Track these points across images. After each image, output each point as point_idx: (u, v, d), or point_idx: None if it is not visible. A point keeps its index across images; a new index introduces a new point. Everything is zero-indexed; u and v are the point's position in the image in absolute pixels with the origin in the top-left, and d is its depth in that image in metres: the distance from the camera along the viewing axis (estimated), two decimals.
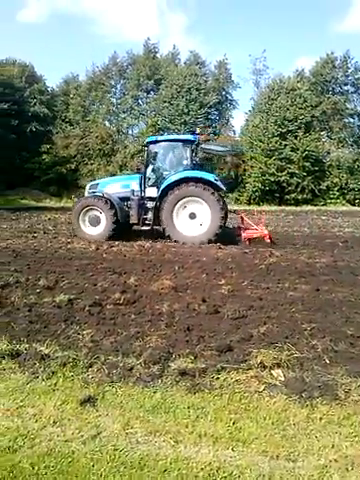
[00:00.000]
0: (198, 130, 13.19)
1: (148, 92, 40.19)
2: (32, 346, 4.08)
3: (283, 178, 32.41)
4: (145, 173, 11.99)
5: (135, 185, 11.99)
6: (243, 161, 33.76)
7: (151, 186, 11.84)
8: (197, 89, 36.15)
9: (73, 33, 77.62)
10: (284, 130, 32.84)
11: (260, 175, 32.83)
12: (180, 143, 12.06)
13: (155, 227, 11.72)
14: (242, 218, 12.41)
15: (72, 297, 5.58)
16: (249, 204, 32.67)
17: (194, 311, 5.17)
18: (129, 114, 39.92)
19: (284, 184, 32.82)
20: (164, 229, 11.29)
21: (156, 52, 40.99)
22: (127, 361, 3.77)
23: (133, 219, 11.71)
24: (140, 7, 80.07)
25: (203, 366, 3.68)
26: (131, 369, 3.63)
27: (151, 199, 11.70)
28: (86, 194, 12.77)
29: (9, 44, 73.20)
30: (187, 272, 7.34)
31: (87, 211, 11.89)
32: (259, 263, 8.15)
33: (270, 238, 11.16)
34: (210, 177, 11.21)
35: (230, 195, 34.88)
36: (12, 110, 36.30)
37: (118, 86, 41.11)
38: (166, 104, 36.48)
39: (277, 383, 3.48)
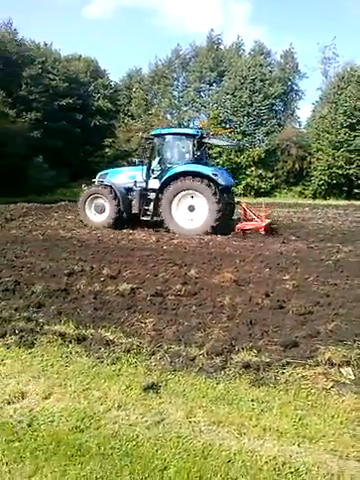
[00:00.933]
0: (200, 124, 13.21)
1: (210, 84, 39.95)
2: (97, 332, 4.22)
3: (352, 171, 31.00)
4: (149, 165, 12.34)
5: (140, 176, 12.33)
6: (309, 153, 32.79)
7: (155, 178, 12.19)
8: (261, 80, 35.42)
9: (137, 27, 78.49)
10: (354, 121, 31.32)
11: (327, 168, 31.62)
12: (183, 137, 12.29)
13: (156, 218, 12.03)
14: (244, 209, 12.33)
15: (134, 286, 5.71)
16: (314, 198, 31.68)
17: (257, 305, 5.11)
18: (191, 107, 39.94)
19: (353, 177, 31.42)
20: (163, 220, 11.71)
21: (219, 43, 40.57)
22: (189, 351, 3.80)
23: (135, 209, 12.17)
24: None
25: (267, 360, 3.63)
26: (193, 359, 3.66)
27: (153, 190, 12.05)
28: (96, 183, 13.13)
29: (75, 40, 75.23)
30: (249, 266, 7.27)
31: (93, 199, 12.50)
32: (326, 258, 7.90)
33: (265, 230, 11.05)
34: (208, 171, 11.42)
35: (293, 189, 34.14)
36: (77, 104, 37.56)
37: (180, 79, 41.22)
38: (229, 96, 36.11)
39: (347, 381, 3.36)
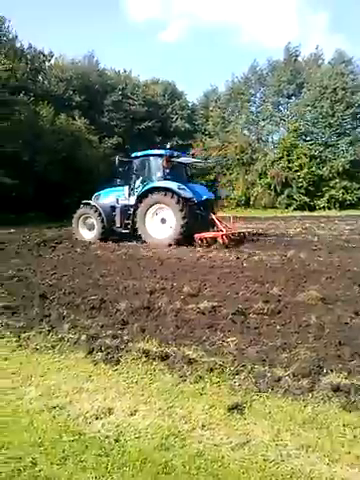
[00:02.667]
0: (168, 145, 14.89)
1: (289, 97, 39.51)
2: (180, 350, 4.25)
3: None
4: (130, 184, 14.03)
5: (122, 195, 14.10)
6: None
7: (134, 195, 13.72)
8: (343, 89, 34.33)
9: (212, 47, 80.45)
10: None
11: None
12: (155, 157, 13.79)
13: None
14: (213, 220, 13.41)
15: (215, 304, 5.67)
16: None
17: (346, 325, 4.85)
18: (269, 121, 39.67)
19: None
20: (139, 232, 13.28)
21: (297, 55, 40.17)
22: (274, 372, 3.70)
23: (117, 224, 13.89)
24: (279, 12, 79.27)
25: (359, 383, 3.42)
26: (279, 380, 3.54)
27: (132, 206, 13.58)
28: (91, 202, 14.71)
29: (153, 65, 78.83)
30: (336, 283, 6.95)
31: (85, 218, 14.60)
32: None
33: (222, 238, 12.13)
34: (174, 186, 12.74)
35: None
36: (156, 127, 38.90)
37: (258, 94, 41.33)
38: (309, 107, 35.41)
39: None
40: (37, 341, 4.73)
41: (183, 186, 13.09)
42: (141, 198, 13.23)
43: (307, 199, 35.12)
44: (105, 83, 37.66)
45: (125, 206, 13.85)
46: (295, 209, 34.99)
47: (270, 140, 41.34)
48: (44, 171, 24.78)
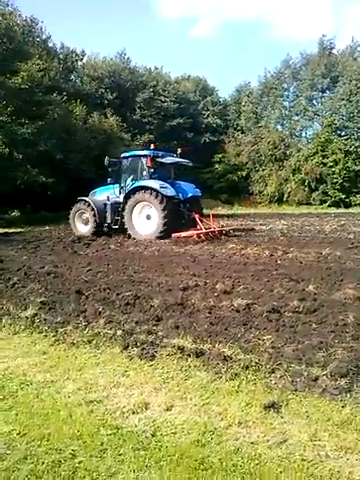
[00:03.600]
0: (152, 146, 15.09)
1: (323, 91, 38.60)
2: (214, 347, 4.25)
3: None
4: (120, 183, 15.01)
5: (113, 193, 15.14)
6: None
7: (123, 193, 14.67)
8: None
9: (245, 41, 79.63)
10: None
11: None
12: (140, 157, 14.70)
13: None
14: (194, 219, 13.91)
15: (249, 302, 5.64)
16: None
17: None
18: (302, 116, 38.96)
19: None
20: (126, 228, 14.18)
21: (332, 48, 39.14)
22: (311, 371, 3.65)
23: (108, 220, 14.91)
24: (312, 5, 77.65)
25: None
26: (316, 379, 3.50)
27: (121, 203, 14.47)
28: (86, 199, 15.62)
29: (184, 61, 78.69)
30: None
31: (81, 213, 15.65)
32: None
33: (198, 236, 12.76)
34: (156, 185, 13.52)
35: None
36: (187, 123, 38.85)
37: (291, 89, 40.60)
38: (344, 102, 34.52)
39: None
40: (74, 336, 4.83)
41: (166, 185, 13.85)
42: (128, 196, 14.15)
43: (342, 195, 34.28)
44: (136, 81, 37.89)
45: (115, 203, 14.80)
46: (330, 205, 34.23)
47: (304, 135, 40.62)
48: (77, 169, 25.19)
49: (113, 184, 15.44)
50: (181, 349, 4.18)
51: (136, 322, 5.10)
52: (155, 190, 13.48)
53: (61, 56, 32.88)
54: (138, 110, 36.51)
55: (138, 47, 74.85)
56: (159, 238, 13.19)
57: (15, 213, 24.51)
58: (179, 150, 16.23)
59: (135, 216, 14.07)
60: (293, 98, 40.20)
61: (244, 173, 39.42)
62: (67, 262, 9.49)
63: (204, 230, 13.43)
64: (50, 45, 31.47)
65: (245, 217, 24.87)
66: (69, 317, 5.39)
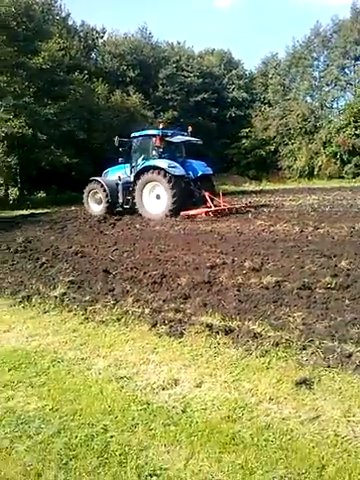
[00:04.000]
0: (161, 125, 15.08)
1: (357, 59, 36.80)
2: (244, 324, 4.21)
3: None
4: (131, 162, 15.09)
5: (124, 173, 15.26)
6: None
7: (134, 173, 14.65)
8: None
9: (272, 10, 76.87)
10: None
11: None
12: (149, 137, 14.73)
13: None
14: (204, 196, 13.91)
15: (279, 279, 5.56)
16: None
17: None
18: (334, 86, 37.53)
19: None
20: (136, 207, 14.33)
21: None
22: (344, 347, 3.56)
23: (120, 199, 15.07)
24: None
25: None
26: (350, 356, 3.41)
27: (132, 183, 14.57)
28: (98, 178, 15.85)
29: (208, 34, 76.80)
30: None
31: (94, 193, 15.85)
32: None
33: (207, 214, 13.09)
34: (165, 165, 13.54)
35: None
36: (212, 98, 38.16)
37: (321, 58, 38.89)
38: None
39: None
40: (103, 314, 4.88)
41: (174, 164, 13.93)
42: (138, 176, 14.24)
43: None
44: (159, 56, 37.34)
45: (126, 183, 14.91)
46: None
47: (335, 106, 39.20)
48: (100, 149, 25.19)
49: (124, 164, 15.57)
50: (209, 327, 4.16)
51: (164, 300, 5.10)
52: (163, 169, 13.54)
53: (81, 34, 32.65)
54: (161, 87, 36.04)
55: (160, 22, 73.42)
56: (168, 216, 13.30)
57: (41, 194, 24.79)
58: (189, 128, 16.08)
59: (145, 195, 14.18)
60: (323, 68, 38.60)
61: (272, 148, 38.55)
62: (94, 242, 9.57)
63: (213, 208, 13.54)
64: (70, 23, 31.28)
65: (274, 193, 24.43)
66: (97, 296, 5.44)
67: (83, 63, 29.07)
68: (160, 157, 14.27)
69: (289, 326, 4.07)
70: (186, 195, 13.90)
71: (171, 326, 4.33)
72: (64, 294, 5.55)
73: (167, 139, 14.51)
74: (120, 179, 15.11)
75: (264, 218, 12.10)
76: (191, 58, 39.34)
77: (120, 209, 15.39)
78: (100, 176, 16.29)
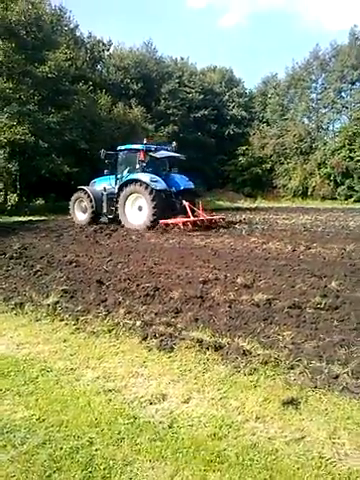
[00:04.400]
0: (145, 140, 15.89)
1: (353, 83, 37.41)
2: (233, 341, 4.23)
3: None
4: (116, 174, 15.75)
5: (108, 184, 15.93)
6: None
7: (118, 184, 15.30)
8: None
9: (273, 32, 78.32)
10: None
11: None
12: (134, 151, 15.42)
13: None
14: (185, 208, 14.43)
15: (270, 297, 5.59)
16: None
17: None
18: (330, 109, 38.08)
19: None
20: (119, 218, 14.98)
21: None
22: (332, 368, 3.59)
23: (104, 209, 15.77)
24: None
25: None
26: (336, 377, 3.44)
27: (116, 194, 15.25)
28: (85, 188, 16.44)
29: (211, 51, 77.97)
30: None
31: (79, 202, 16.51)
32: None
33: (184, 224, 13.71)
34: (147, 179, 14.21)
35: None
36: (212, 115, 38.55)
37: (319, 81, 39.41)
38: None
39: None
40: (94, 325, 4.88)
41: (156, 178, 14.53)
42: (122, 188, 14.91)
43: None
44: (162, 71, 37.77)
45: (111, 194, 15.60)
46: (356, 201, 33.52)
47: (331, 128, 39.77)
48: (100, 159, 25.22)
49: (110, 175, 16.17)
50: (200, 342, 4.17)
51: (155, 313, 5.11)
52: (145, 183, 14.20)
53: (88, 46, 32.96)
54: (163, 101, 36.38)
55: (165, 37, 74.39)
56: (149, 228, 13.91)
57: (39, 201, 24.82)
58: (174, 143, 16.87)
59: (128, 207, 14.87)
60: (321, 90, 39.19)
61: (268, 166, 38.90)
62: (88, 252, 9.59)
63: (191, 218, 14.17)
64: (77, 34, 31.59)
65: (268, 211, 24.64)
66: (90, 306, 5.45)
67: (88, 74, 29.31)
68: (143, 171, 14.91)
69: (278, 344, 4.10)
70: (167, 207, 14.54)
71: (162, 340, 4.34)
72: (57, 303, 5.55)
73: (150, 154, 15.25)
74: (105, 190, 15.83)
75: (257, 235, 12.20)
76: (193, 74, 39.82)
77: (103, 219, 16.01)
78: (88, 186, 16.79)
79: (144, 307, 5.39)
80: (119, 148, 16.06)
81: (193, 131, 37.57)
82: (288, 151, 38.01)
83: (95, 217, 16.01)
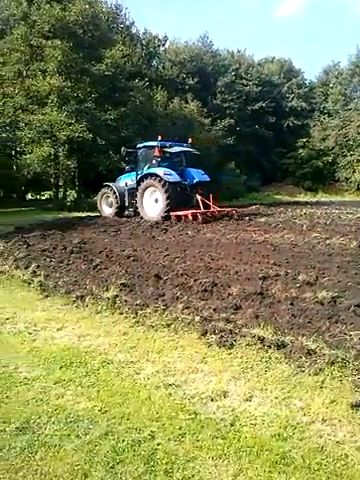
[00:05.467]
0: (159, 137, 16.24)
1: None
2: (297, 339, 4.07)
3: None
4: (137, 170, 16.65)
5: (130, 180, 16.98)
6: None
7: None
8: None
9: (333, 19, 75.20)
10: None
11: None
12: (150, 148, 16.27)
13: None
14: (197, 201, 15.51)
15: (335, 295, 5.33)
16: None
17: None
18: None
19: None
20: (138, 211, 16.10)
21: None
22: None
23: (126, 203, 16.93)
24: None
25: None
26: None
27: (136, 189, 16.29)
28: (110, 184, 17.69)
29: (268, 42, 76.33)
30: None
31: (106, 197, 17.91)
32: None
33: (193, 216, 14.42)
34: (160, 172, 15.17)
35: None
36: (270, 107, 37.73)
37: None
38: None
39: None
40: (153, 319, 4.90)
41: (170, 172, 15.44)
42: (139, 182, 16.01)
43: None
44: (218, 64, 37.42)
45: (131, 189, 16.66)
46: None
47: None
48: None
49: (131, 172, 17.26)
50: (261, 340, 4.06)
51: (214, 309, 5.03)
52: (159, 176, 15.18)
53: (143, 42, 33.31)
54: (219, 94, 36.03)
55: (221, 30, 73.70)
56: (163, 219, 14.91)
57: (96, 197, 25.41)
58: (190, 140, 17.54)
59: (146, 199, 15.90)
60: None
61: (330, 159, 37.43)
62: (146, 246, 9.67)
63: (202, 210, 15.08)
64: (133, 31, 32.00)
65: (330, 205, 23.72)
66: (148, 300, 5.47)
67: (144, 70, 29.63)
68: (159, 165, 15.88)
69: (345, 345, 3.89)
70: (182, 200, 15.43)
71: (221, 336, 4.26)
72: (116, 296, 5.62)
73: (165, 150, 16.15)
74: (127, 185, 17.01)
75: (319, 230, 11.74)
76: (251, 66, 39.12)
77: (127, 212, 17.10)
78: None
79: (202, 302, 5.34)
80: (138, 146, 17.00)
81: (250, 124, 36.95)
82: (351, 142, 36.34)
83: (120, 211, 17.20)
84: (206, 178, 16.67)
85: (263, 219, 15.59)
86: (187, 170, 16.69)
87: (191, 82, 34.41)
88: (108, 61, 22.39)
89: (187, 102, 31.18)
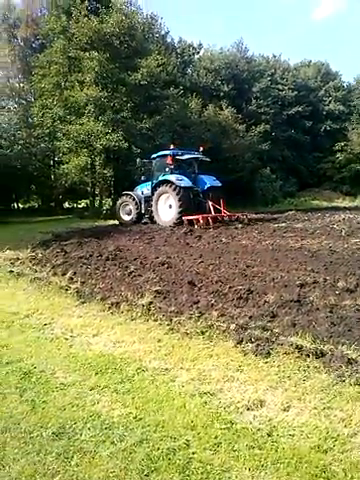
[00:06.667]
0: (172, 146, 17.42)
1: None
2: (337, 348, 3.94)
3: None
4: (152, 180, 17.37)
5: (146, 188, 17.83)
6: None
7: None
8: None
9: None
10: None
11: None
12: (164, 157, 16.94)
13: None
14: (208, 206, 16.12)
15: None
16: None
17: None
18: None
19: None
20: (154, 216, 16.83)
21: None
22: None
23: (143, 210, 17.74)
24: None
25: None
26: None
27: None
28: (130, 192, 18.54)
29: (305, 45, 75.23)
30: None
31: (124, 205, 18.62)
32: None
33: (203, 220, 14.92)
34: (173, 178, 15.96)
35: None
36: (306, 111, 37.16)
37: None
38: None
39: None
40: (187, 326, 4.86)
41: (182, 178, 16.18)
42: (154, 189, 16.84)
43: None
44: (253, 70, 37.25)
45: (147, 196, 17.50)
46: None
47: None
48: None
49: (147, 181, 18.03)
50: (299, 348, 3.95)
51: (250, 317, 4.95)
52: (171, 182, 15.92)
53: (178, 50, 33.59)
54: (254, 100, 35.84)
55: (257, 36, 73.41)
56: (175, 224, 15.46)
57: None
58: (201, 148, 18.16)
59: (160, 206, 16.57)
60: None
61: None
62: (180, 253, 9.66)
63: (212, 214, 15.72)
64: (168, 40, 32.34)
65: None
66: (182, 307, 5.44)
67: (179, 79, 29.84)
68: (172, 173, 16.56)
69: None
70: (194, 205, 16.19)
71: (258, 344, 4.18)
72: (150, 303, 5.63)
73: (177, 158, 16.85)
74: (143, 193, 17.92)
75: (359, 236, 11.39)
76: (286, 71, 38.73)
77: (144, 220, 17.86)
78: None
79: (238, 310, 5.26)
80: (152, 156, 17.83)
81: (286, 129, 36.55)
82: None
83: (139, 218, 17.97)
84: (218, 183, 17.25)
85: (300, 225, 15.31)
86: (199, 177, 17.41)
87: (226, 89, 34.39)
88: (144, 71, 22.68)
89: (222, 109, 31.17)
